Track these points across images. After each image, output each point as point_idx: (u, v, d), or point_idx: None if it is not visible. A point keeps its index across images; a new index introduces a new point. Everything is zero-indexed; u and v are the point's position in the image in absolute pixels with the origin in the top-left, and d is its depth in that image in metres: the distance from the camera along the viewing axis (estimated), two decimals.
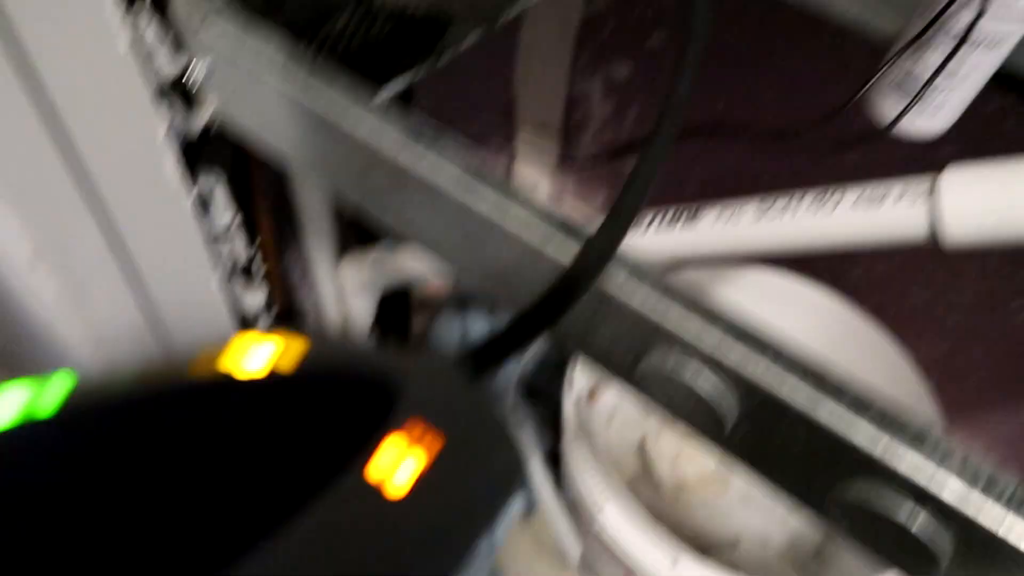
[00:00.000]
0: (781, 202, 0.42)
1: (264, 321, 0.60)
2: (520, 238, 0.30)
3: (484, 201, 0.31)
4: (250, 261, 0.54)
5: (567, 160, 1.31)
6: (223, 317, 0.55)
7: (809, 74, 0.92)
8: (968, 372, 1.01)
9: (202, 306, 0.54)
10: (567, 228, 0.30)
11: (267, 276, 0.58)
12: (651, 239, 0.47)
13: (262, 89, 0.37)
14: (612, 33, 1.10)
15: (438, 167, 0.32)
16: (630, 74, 1.11)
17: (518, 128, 1.22)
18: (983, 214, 0.35)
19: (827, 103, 0.95)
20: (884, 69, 0.36)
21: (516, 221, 0.31)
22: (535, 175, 1.33)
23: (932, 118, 0.39)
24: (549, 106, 1.21)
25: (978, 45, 0.36)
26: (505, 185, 0.31)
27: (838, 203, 0.40)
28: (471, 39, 0.47)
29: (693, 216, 0.45)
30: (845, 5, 0.49)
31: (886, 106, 0.39)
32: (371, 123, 0.34)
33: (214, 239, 0.50)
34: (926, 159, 0.90)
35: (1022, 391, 0.97)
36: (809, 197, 0.41)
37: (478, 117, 1.14)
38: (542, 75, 1.16)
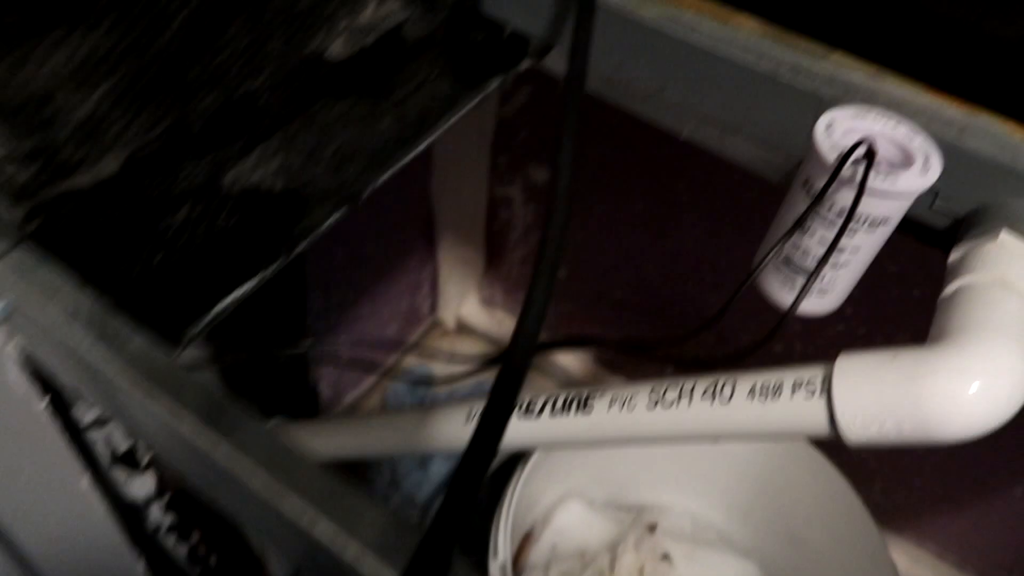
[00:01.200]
0: (673, 391, 0.38)
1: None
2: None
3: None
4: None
5: (493, 268, 1.28)
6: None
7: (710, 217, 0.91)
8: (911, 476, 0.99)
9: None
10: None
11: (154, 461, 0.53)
12: (544, 425, 0.44)
13: (53, 340, 0.33)
14: (527, 136, 1.09)
15: (235, 457, 0.28)
16: (548, 175, 1.10)
17: (438, 240, 1.19)
18: (880, 419, 0.32)
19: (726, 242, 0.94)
20: (760, 265, 0.33)
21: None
22: (460, 286, 1.29)
23: (822, 298, 0.36)
24: (470, 214, 1.18)
25: (862, 224, 0.33)
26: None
27: (732, 393, 0.37)
28: (334, 219, 0.43)
29: (584, 403, 0.42)
30: (742, 147, 0.47)
31: (773, 288, 0.36)
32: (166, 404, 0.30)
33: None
34: (820, 332, 0.89)
35: (963, 495, 0.95)
36: (702, 385, 0.38)
37: (395, 230, 1.11)
38: (460, 183, 1.14)
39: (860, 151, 0.31)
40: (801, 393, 0.35)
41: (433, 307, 1.33)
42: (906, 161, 0.33)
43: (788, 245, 0.36)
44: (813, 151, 0.32)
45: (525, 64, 0.52)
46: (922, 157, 0.32)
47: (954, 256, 0.39)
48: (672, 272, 1.06)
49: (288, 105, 0.40)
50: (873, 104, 0.43)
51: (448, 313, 1.35)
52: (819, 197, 0.32)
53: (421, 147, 0.46)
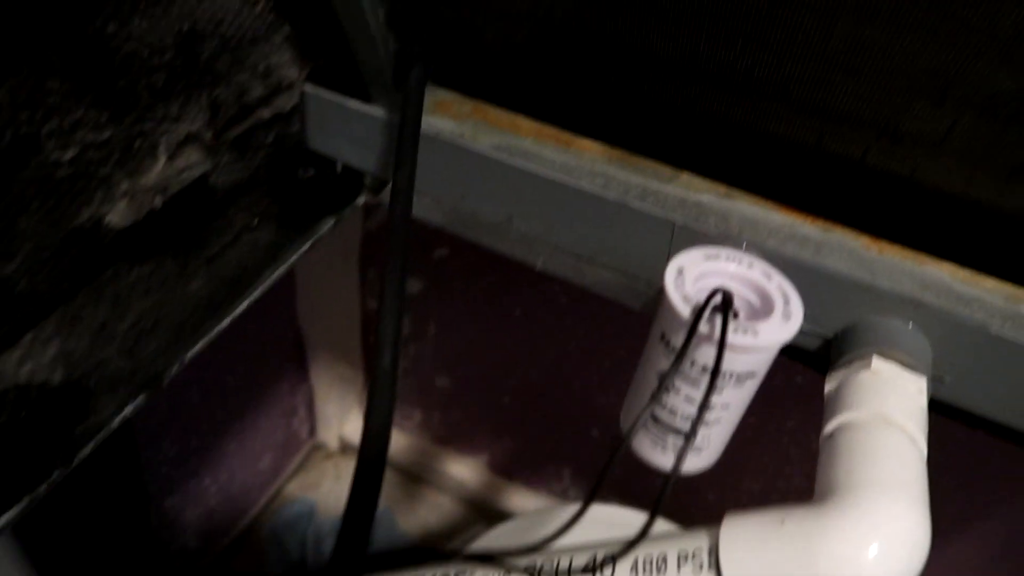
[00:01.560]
0: (549, 566, 0.33)
1: None
2: None
3: None
4: None
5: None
6: None
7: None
8: None
9: None
10: None
11: None
12: None
13: None
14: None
15: None
16: (423, 287, 1.05)
17: (311, 360, 1.11)
18: None
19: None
20: (630, 434, 0.29)
21: None
22: (340, 405, 1.21)
23: (698, 456, 0.32)
24: (343, 331, 1.11)
25: (729, 381, 0.29)
26: None
27: (613, 572, 0.32)
28: (129, 410, 0.36)
29: None
30: (604, 276, 0.43)
31: (644, 448, 0.32)
32: None
33: None
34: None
35: None
36: (582, 558, 0.33)
37: (260, 358, 1.02)
38: (329, 301, 1.07)
39: (715, 300, 0.28)
40: (688, 567, 0.31)
41: (312, 431, 1.23)
42: (765, 305, 0.30)
43: (655, 414, 0.32)
44: (666, 304, 0.29)
45: (361, 200, 0.47)
46: (780, 300, 0.29)
47: (830, 386, 0.36)
48: (557, 375, 1.02)
49: (62, 282, 0.33)
50: (727, 224, 0.41)
51: (330, 434, 1.25)
52: (679, 356, 0.28)
53: (241, 307, 0.40)
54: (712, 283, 0.30)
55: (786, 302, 0.29)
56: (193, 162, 0.37)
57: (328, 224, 0.45)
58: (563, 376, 1.02)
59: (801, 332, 0.40)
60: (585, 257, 0.43)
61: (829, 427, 0.34)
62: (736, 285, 0.30)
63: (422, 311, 1.08)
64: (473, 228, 0.45)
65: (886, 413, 0.33)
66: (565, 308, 0.93)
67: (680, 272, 0.29)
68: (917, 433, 0.33)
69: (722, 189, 0.41)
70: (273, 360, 1.06)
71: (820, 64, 0.34)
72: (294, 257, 0.43)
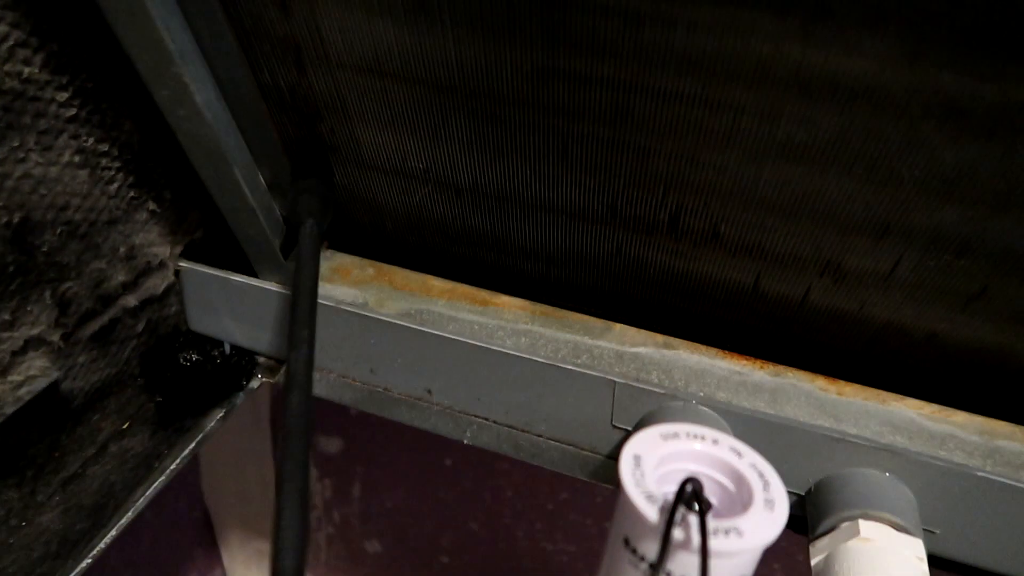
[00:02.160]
0: None
1: None
2: None
3: None
4: None
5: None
6: None
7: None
8: None
9: None
10: None
11: None
12: None
13: None
14: (320, 415, 0.97)
15: None
16: (342, 445, 0.97)
17: (222, 541, 0.99)
18: None
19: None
20: None
21: None
22: None
23: None
24: (255, 503, 1.01)
25: None
26: None
27: None
28: None
29: None
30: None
31: None
32: None
33: None
34: None
35: None
36: None
37: (158, 550, 0.90)
38: (239, 472, 0.97)
39: (687, 491, 0.23)
40: None
41: None
42: (740, 488, 0.25)
43: None
44: (626, 504, 0.24)
45: (256, 384, 0.41)
46: (758, 483, 0.25)
47: (817, 558, 0.31)
48: (497, 525, 0.94)
49: None
50: (671, 377, 0.37)
51: None
52: (658, 571, 0.23)
53: (106, 539, 0.33)
54: (675, 469, 0.25)
55: (765, 485, 0.24)
56: (37, 372, 0.30)
57: (216, 418, 0.39)
58: (504, 526, 0.94)
59: None
60: (519, 427, 0.38)
61: None
62: (704, 468, 0.26)
63: (344, 471, 0.99)
64: (387, 406, 0.39)
65: None
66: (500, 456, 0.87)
67: (638, 461, 0.24)
68: None
69: (659, 339, 0.37)
70: (177, 547, 0.94)
71: (750, 204, 0.31)
72: (174, 465, 0.36)
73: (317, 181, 0.38)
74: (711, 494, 0.25)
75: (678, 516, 0.23)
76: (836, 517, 0.32)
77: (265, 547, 1.07)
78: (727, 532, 0.23)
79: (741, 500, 0.25)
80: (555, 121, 0.31)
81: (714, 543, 0.22)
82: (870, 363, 0.36)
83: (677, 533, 0.23)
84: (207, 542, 0.99)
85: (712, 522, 0.23)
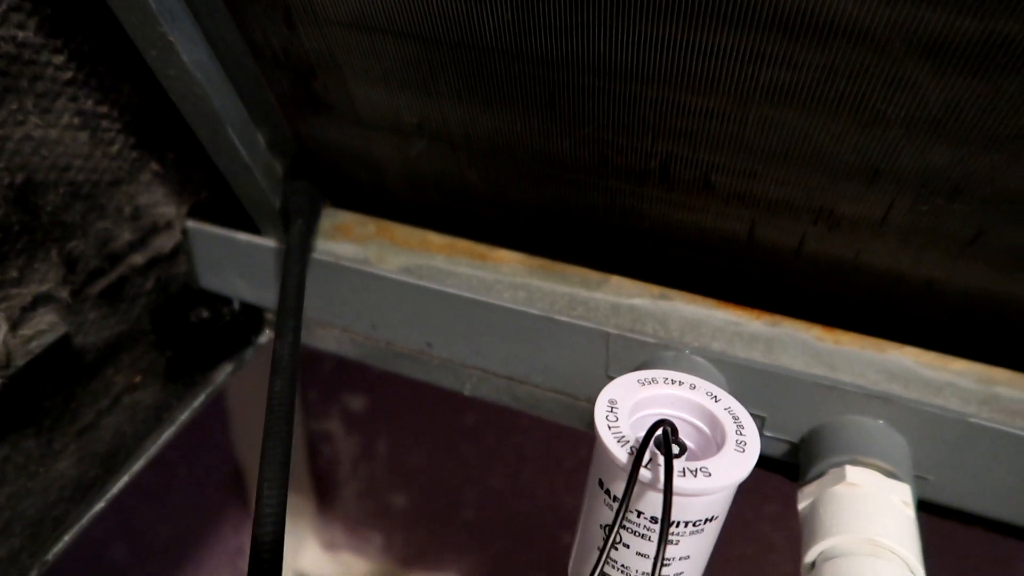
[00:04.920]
0: None
1: None
2: None
3: None
4: None
5: (327, 509, 1.13)
6: None
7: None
8: None
9: None
10: None
11: None
12: None
13: None
14: (336, 366, 0.98)
15: None
16: (368, 404, 0.99)
17: (254, 497, 1.03)
18: None
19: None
20: None
21: None
22: (292, 537, 1.12)
23: None
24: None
25: (684, 529, 0.25)
26: None
27: None
28: None
29: None
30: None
31: None
32: None
33: None
34: None
35: None
36: None
37: (195, 501, 0.94)
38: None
39: (656, 435, 0.24)
40: None
41: None
42: (716, 431, 0.26)
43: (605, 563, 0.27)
44: (599, 447, 0.24)
45: (263, 338, 0.42)
46: (732, 426, 0.25)
47: (804, 503, 0.32)
48: (517, 480, 0.96)
49: None
50: (667, 328, 0.37)
51: (284, 570, 1.15)
52: (620, 510, 0.23)
53: (119, 486, 0.34)
54: (651, 413, 0.26)
55: (739, 429, 0.25)
56: (46, 326, 0.32)
57: (225, 372, 0.40)
58: (524, 480, 0.96)
59: (765, 438, 0.36)
60: (517, 378, 0.39)
61: (810, 555, 0.30)
62: (680, 412, 0.26)
63: (370, 429, 1.02)
64: (389, 359, 0.40)
65: (873, 536, 0.28)
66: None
67: (612, 406, 0.25)
68: (910, 554, 0.28)
69: (656, 290, 0.37)
70: (210, 501, 0.98)
71: (739, 151, 0.31)
72: (184, 415, 0.38)
73: (308, 183, 0.39)
74: (687, 437, 0.26)
75: (647, 457, 0.23)
76: (825, 463, 0.32)
77: (296, 501, 1.11)
78: (695, 472, 0.23)
79: (716, 443, 0.25)
80: (539, 70, 0.31)
81: (683, 483, 0.23)
82: (868, 312, 0.36)
83: (647, 474, 0.23)
84: (240, 496, 1.03)
85: (682, 463, 0.23)
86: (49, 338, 0.32)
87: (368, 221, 0.41)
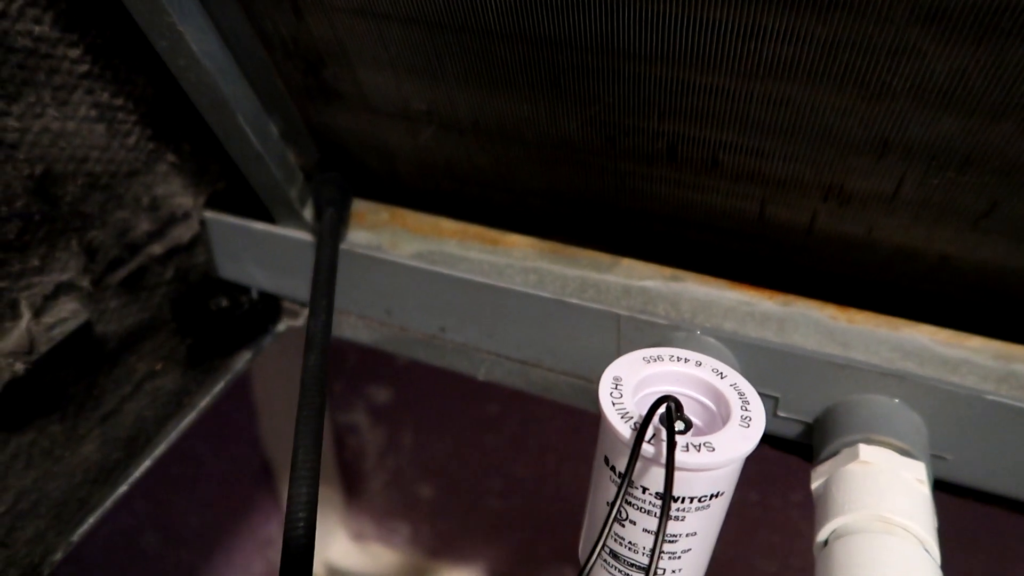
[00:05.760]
0: None
1: None
2: None
3: None
4: None
5: (356, 500, 1.14)
6: None
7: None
8: None
9: None
10: None
11: None
12: None
13: None
14: (360, 357, 1.00)
15: None
16: (393, 395, 1.00)
17: (283, 487, 1.05)
18: None
19: None
20: (586, 569, 0.24)
21: None
22: (321, 528, 1.13)
23: None
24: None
25: (689, 505, 0.25)
26: None
27: None
28: None
29: None
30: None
31: None
32: None
33: None
34: None
35: None
36: None
37: (223, 492, 0.96)
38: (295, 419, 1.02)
39: (660, 412, 0.24)
40: None
41: None
42: (722, 408, 0.25)
43: (610, 538, 0.27)
44: (604, 423, 0.24)
45: (281, 327, 0.43)
46: (737, 402, 0.25)
47: (817, 483, 0.31)
48: (542, 468, 0.96)
49: None
50: (678, 309, 0.37)
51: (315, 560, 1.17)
52: (622, 484, 0.24)
53: (142, 469, 0.35)
54: (657, 391, 0.26)
55: (744, 404, 0.24)
56: (68, 314, 0.33)
57: (244, 359, 0.41)
58: (549, 469, 0.96)
59: (778, 418, 0.36)
60: (530, 362, 0.39)
61: (822, 533, 0.29)
62: (685, 389, 0.26)
63: (396, 420, 1.03)
64: (404, 344, 0.41)
65: (885, 513, 0.28)
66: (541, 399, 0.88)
67: (617, 383, 0.25)
68: (923, 531, 0.28)
69: (667, 272, 0.37)
70: (240, 491, 0.99)
71: (746, 128, 0.31)
72: (205, 401, 0.39)
73: (338, 174, 0.40)
74: (691, 413, 0.26)
75: (650, 433, 0.23)
76: (839, 442, 0.31)
77: (324, 491, 1.12)
78: (699, 447, 0.23)
79: (721, 418, 0.25)
80: (542, 52, 0.31)
81: (687, 458, 0.23)
82: (882, 290, 0.35)
83: (651, 449, 0.23)
84: (269, 486, 1.04)
85: (687, 438, 0.23)
86: (71, 325, 0.33)
87: (381, 208, 0.42)
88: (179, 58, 0.31)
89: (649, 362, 0.26)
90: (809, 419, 0.34)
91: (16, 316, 0.31)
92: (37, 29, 0.30)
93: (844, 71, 0.27)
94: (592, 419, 0.40)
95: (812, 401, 0.34)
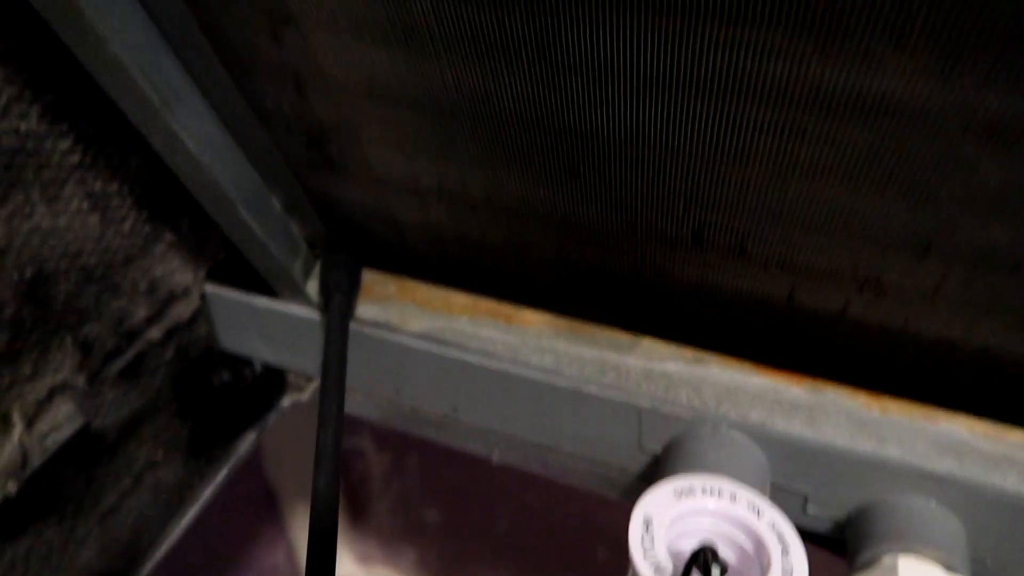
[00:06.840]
0: None
1: None
2: None
3: None
4: None
5: (361, 523, 1.13)
6: None
7: None
8: None
9: None
10: None
11: None
12: None
13: None
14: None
15: None
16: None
17: (286, 512, 1.03)
18: None
19: None
20: None
21: None
22: None
23: None
24: None
25: None
26: None
27: None
28: None
29: None
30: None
31: None
32: None
33: None
34: None
35: None
36: None
37: (224, 525, 0.95)
38: (299, 446, 1.00)
39: (699, 561, 0.22)
40: None
41: None
42: (758, 552, 0.24)
43: None
44: (634, 573, 0.23)
45: (286, 402, 0.41)
46: (776, 546, 0.23)
47: None
48: (552, 492, 0.95)
49: None
50: (701, 397, 0.35)
51: None
52: None
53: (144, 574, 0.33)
54: (689, 530, 0.24)
55: (784, 549, 0.23)
56: (63, 419, 0.31)
57: (248, 441, 0.39)
58: (560, 493, 0.95)
59: (808, 515, 0.34)
60: (546, 447, 0.37)
61: None
62: (719, 526, 0.24)
63: (401, 445, 1.01)
64: (415, 423, 0.39)
65: None
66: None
67: (647, 525, 0.23)
68: None
69: (689, 353, 0.36)
70: (241, 521, 0.98)
71: (778, 221, 0.29)
72: (208, 492, 0.37)
73: (346, 256, 0.38)
74: (726, 555, 0.24)
75: None
76: (875, 550, 0.30)
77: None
78: None
79: (759, 563, 0.23)
80: (561, 141, 0.29)
81: None
82: (917, 377, 0.34)
83: None
84: (273, 518, 1.03)
85: None
86: (67, 432, 0.31)
87: (388, 280, 0.40)
88: (175, 155, 0.29)
89: (680, 496, 0.24)
90: (841, 516, 0.33)
91: (7, 429, 0.29)
92: (23, 126, 0.28)
93: (887, 176, 0.25)
94: (613, 503, 0.39)
95: (844, 499, 0.32)
